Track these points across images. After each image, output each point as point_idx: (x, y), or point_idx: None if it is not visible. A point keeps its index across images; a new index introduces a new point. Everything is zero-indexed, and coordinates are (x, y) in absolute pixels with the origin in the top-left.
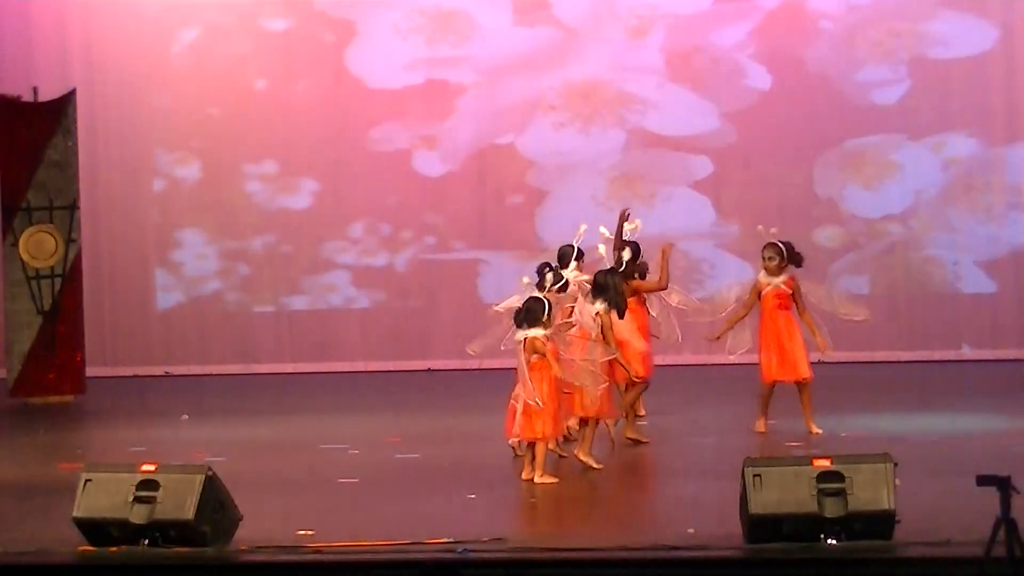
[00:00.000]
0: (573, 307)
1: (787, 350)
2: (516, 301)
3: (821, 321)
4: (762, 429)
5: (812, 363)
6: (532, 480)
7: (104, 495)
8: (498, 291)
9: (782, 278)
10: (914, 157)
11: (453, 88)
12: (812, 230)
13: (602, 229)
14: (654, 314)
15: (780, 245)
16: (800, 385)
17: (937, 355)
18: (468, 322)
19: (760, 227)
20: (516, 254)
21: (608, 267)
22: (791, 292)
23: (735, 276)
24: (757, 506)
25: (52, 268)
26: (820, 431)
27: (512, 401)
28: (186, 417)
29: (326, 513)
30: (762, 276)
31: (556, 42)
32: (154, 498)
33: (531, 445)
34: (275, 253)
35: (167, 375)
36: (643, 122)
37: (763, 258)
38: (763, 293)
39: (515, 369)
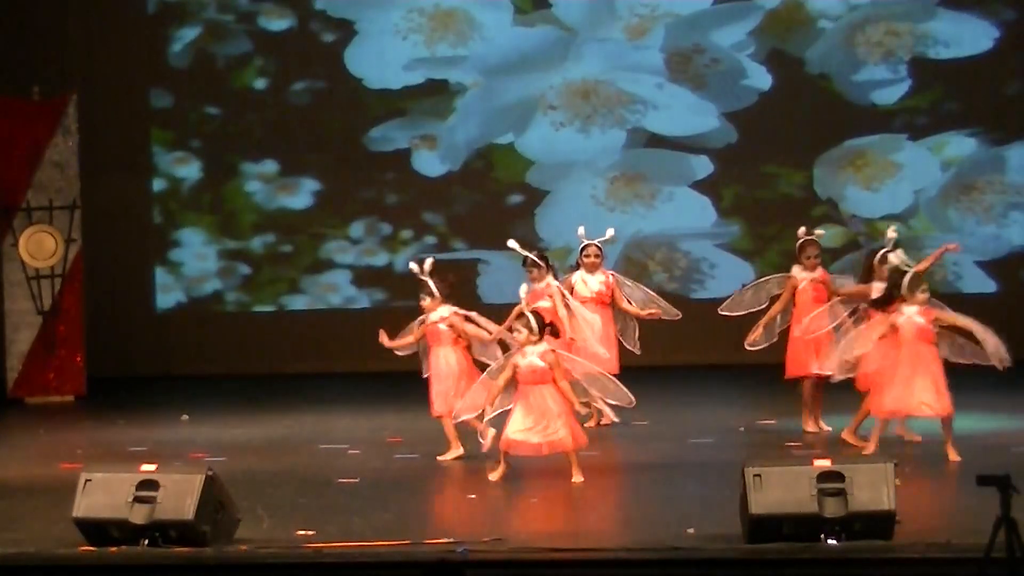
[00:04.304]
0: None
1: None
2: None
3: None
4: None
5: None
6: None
7: (104, 495)
8: (498, 291)
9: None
10: (914, 157)
11: (453, 88)
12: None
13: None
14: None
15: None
16: None
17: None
18: None
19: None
20: (516, 254)
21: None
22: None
23: (736, 275)
24: (757, 506)
25: (52, 268)
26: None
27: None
28: (186, 417)
29: (326, 513)
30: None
31: (556, 42)
32: (154, 498)
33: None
34: (275, 253)
35: (167, 375)
36: (643, 122)
37: (807, 256)
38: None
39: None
